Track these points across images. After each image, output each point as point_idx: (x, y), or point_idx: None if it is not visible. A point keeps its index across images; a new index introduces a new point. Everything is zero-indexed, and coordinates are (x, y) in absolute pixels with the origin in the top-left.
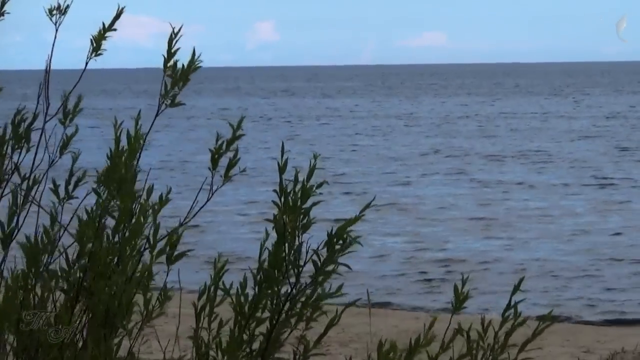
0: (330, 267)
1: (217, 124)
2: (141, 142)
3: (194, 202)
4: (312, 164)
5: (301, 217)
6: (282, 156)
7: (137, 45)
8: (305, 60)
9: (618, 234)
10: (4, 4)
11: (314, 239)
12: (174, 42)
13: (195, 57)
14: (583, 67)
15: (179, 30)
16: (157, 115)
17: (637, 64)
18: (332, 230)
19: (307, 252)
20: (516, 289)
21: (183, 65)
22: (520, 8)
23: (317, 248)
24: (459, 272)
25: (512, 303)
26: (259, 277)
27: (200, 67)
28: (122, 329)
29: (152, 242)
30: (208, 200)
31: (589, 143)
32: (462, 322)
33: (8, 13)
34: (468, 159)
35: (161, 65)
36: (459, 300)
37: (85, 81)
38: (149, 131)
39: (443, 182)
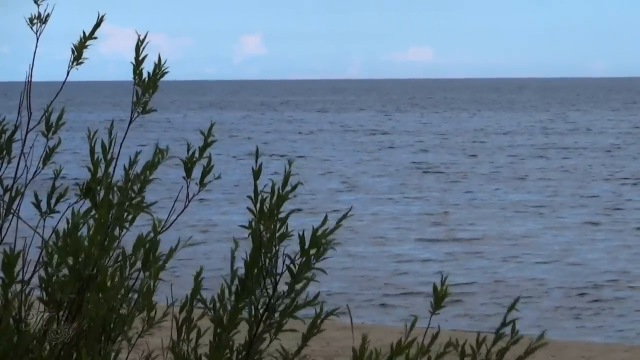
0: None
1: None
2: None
3: (170, 211)
4: (286, 170)
5: (277, 225)
6: (256, 161)
7: (123, 58)
8: (291, 74)
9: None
10: None
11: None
12: (140, 49)
13: (162, 64)
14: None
15: (144, 38)
16: (130, 123)
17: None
18: (303, 233)
19: (283, 261)
20: (512, 307)
21: (149, 73)
22: (505, 23)
23: (295, 256)
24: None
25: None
26: (234, 287)
27: (167, 72)
28: (126, 340)
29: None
30: (184, 208)
31: None
32: (458, 338)
33: None
34: None
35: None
36: (438, 298)
37: (75, 93)
38: (123, 140)
39: None
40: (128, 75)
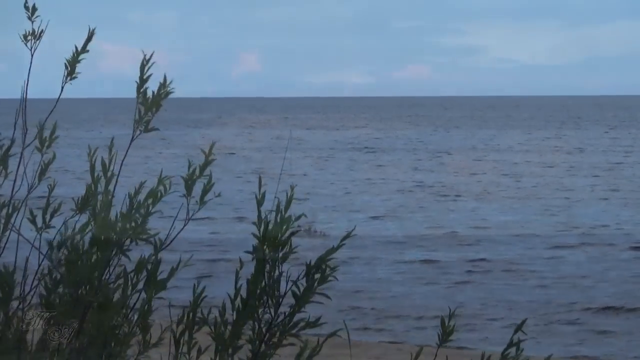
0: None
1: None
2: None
3: (170, 228)
4: (288, 195)
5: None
6: (259, 189)
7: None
8: (288, 92)
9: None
10: None
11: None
12: (145, 69)
13: (167, 83)
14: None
15: (150, 57)
16: (132, 141)
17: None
18: (310, 261)
19: (287, 283)
20: (519, 328)
21: (153, 92)
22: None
23: (297, 278)
24: None
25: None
26: (236, 304)
27: (172, 92)
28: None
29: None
30: (184, 226)
31: None
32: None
33: None
34: None
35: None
36: (445, 333)
37: (72, 110)
38: (124, 158)
39: None
40: (121, 93)
